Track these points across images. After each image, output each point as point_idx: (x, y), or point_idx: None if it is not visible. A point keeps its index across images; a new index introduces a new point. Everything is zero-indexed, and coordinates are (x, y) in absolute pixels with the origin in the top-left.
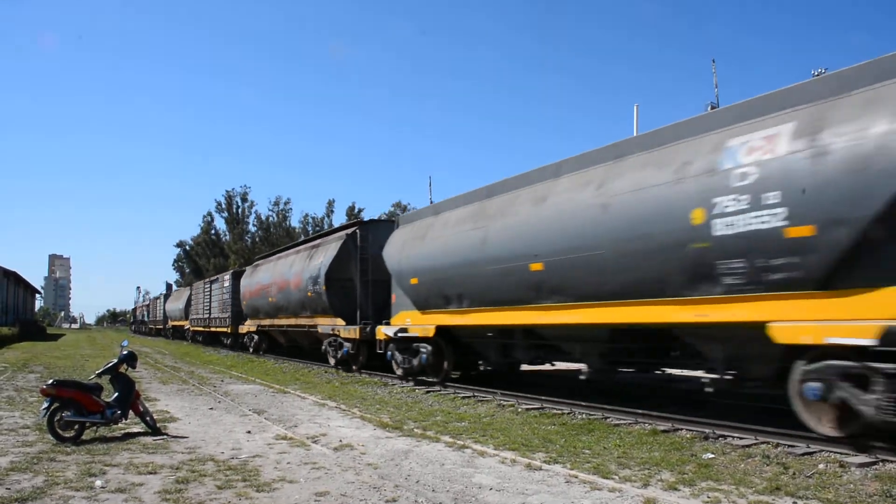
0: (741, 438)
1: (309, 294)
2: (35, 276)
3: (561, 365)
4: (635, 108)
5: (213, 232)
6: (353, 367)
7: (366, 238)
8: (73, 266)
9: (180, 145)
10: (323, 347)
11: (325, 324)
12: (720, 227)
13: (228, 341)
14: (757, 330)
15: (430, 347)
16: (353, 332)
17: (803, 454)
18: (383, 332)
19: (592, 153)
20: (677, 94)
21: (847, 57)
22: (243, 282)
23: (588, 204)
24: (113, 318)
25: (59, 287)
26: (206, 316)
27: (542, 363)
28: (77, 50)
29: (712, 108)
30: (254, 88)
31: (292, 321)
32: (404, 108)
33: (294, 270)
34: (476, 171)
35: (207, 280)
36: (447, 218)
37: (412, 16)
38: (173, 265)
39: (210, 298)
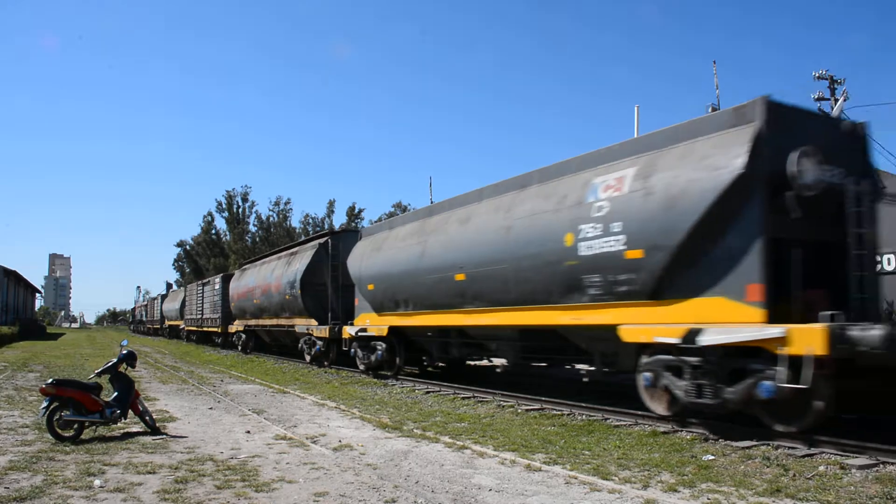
0: (741, 440)
1: (287, 297)
2: (35, 275)
3: (498, 360)
4: (636, 109)
5: (213, 232)
6: (325, 363)
7: (336, 247)
8: (74, 265)
9: (181, 145)
10: (300, 345)
11: (301, 324)
12: (584, 249)
13: (219, 340)
14: (613, 331)
15: (384, 345)
16: (324, 331)
17: (804, 456)
18: (348, 331)
19: (506, 182)
20: (677, 97)
21: (844, 59)
22: (232, 284)
23: (498, 226)
24: (113, 318)
25: (59, 286)
26: (199, 316)
27: (480, 359)
28: (77, 51)
29: (713, 109)
30: (254, 89)
31: (274, 321)
32: (406, 109)
33: (275, 275)
34: (477, 171)
35: (200, 282)
36: (398, 233)
37: (412, 18)
38: (173, 265)
39: (202, 300)
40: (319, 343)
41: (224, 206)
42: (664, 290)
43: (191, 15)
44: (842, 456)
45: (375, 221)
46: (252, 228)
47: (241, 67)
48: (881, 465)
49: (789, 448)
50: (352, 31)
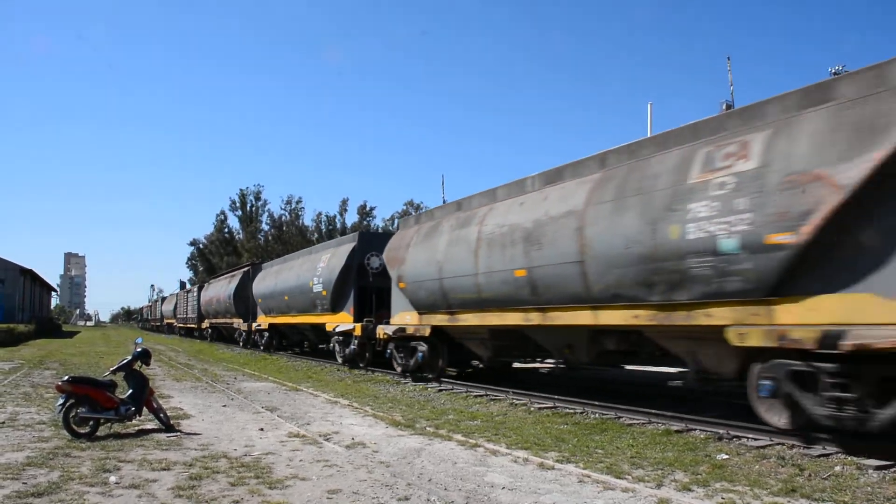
0: (756, 439)
1: (227, 304)
2: (51, 273)
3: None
4: (649, 106)
5: (226, 230)
6: (247, 346)
7: (255, 272)
8: (89, 264)
9: (196, 146)
10: (235, 335)
11: (236, 322)
12: (315, 288)
13: (196, 333)
14: (324, 326)
15: (267, 334)
16: (245, 326)
17: (819, 455)
18: (252, 326)
19: (305, 250)
20: (690, 92)
21: (842, 56)
22: (202, 293)
23: (296, 273)
24: (127, 316)
25: (74, 285)
26: (185, 315)
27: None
28: (82, 39)
29: (728, 106)
30: (266, 87)
31: (223, 320)
32: (417, 107)
33: (223, 289)
34: (489, 167)
35: (185, 290)
36: (270, 270)
37: (418, 12)
38: (187, 263)
39: (187, 303)
40: (244, 333)
41: (238, 204)
42: (334, 308)
43: (203, 4)
44: (858, 456)
45: (387, 220)
46: (264, 227)
47: (250, 64)
48: None
49: (804, 447)
50: (352, 33)
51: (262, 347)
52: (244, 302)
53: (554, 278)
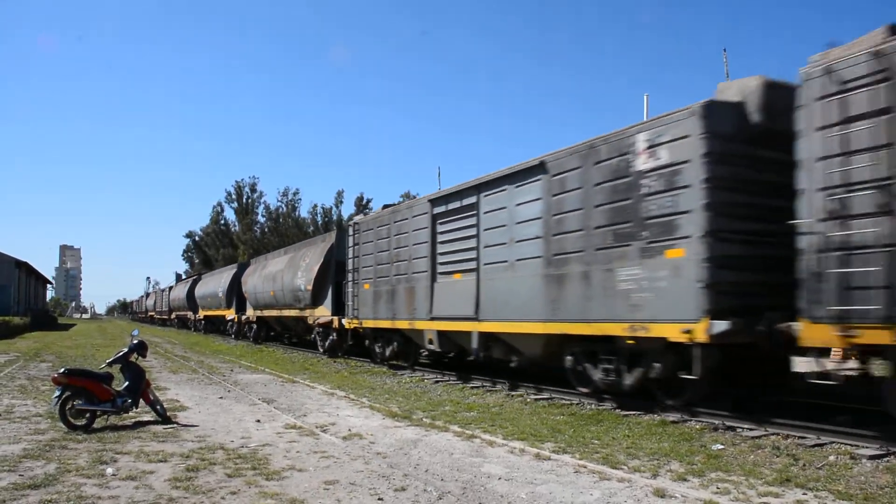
0: (751, 430)
1: (184, 301)
2: (46, 266)
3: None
4: (645, 97)
5: (222, 222)
6: (195, 330)
7: (199, 279)
8: (84, 256)
9: (194, 136)
10: (189, 324)
11: (189, 314)
12: (219, 294)
13: (168, 323)
14: (226, 316)
15: (203, 322)
16: (193, 317)
17: (813, 445)
18: (196, 317)
19: (217, 270)
20: (682, 85)
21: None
22: (171, 293)
23: (213, 284)
24: (123, 308)
25: (69, 277)
26: (161, 309)
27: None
28: (82, 40)
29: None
30: (264, 79)
31: (183, 313)
32: (416, 101)
33: (182, 290)
34: (484, 156)
35: (161, 290)
36: (204, 280)
37: (416, 11)
38: (182, 255)
39: (162, 299)
40: (193, 322)
41: (233, 196)
42: (228, 306)
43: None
44: (852, 446)
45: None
46: (260, 219)
47: (249, 56)
48: (892, 456)
49: (799, 438)
50: (358, 21)
51: (203, 330)
52: (193, 300)
53: (280, 296)
